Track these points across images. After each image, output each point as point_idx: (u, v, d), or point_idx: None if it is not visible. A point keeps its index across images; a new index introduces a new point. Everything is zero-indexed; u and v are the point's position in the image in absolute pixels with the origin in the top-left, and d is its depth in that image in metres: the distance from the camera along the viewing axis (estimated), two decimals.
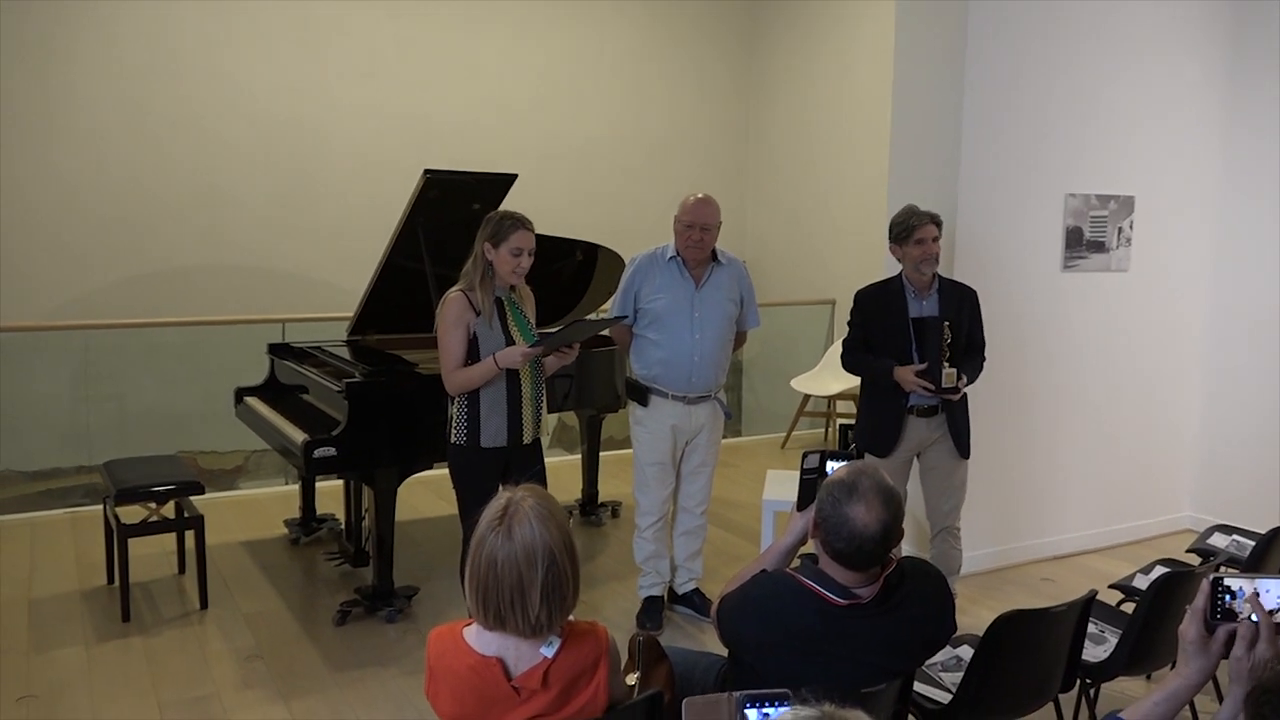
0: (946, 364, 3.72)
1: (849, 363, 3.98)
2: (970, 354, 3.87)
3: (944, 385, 3.72)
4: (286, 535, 5.15)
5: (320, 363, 4.68)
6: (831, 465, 2.29)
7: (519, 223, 3.36)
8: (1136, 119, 4.96)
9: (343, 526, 4.98)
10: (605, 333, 4.91)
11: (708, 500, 4.19)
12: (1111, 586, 3.58)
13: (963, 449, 3.88)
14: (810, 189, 8.35)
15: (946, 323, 3.72)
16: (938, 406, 3.84)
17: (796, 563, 2.23)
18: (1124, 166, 4.96)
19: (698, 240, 3.83)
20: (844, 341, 4.02)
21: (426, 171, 4.07)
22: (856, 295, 3.98)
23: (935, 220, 3.78)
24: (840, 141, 7.96)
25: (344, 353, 4.70)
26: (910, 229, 3.78)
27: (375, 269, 4.49)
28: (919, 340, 3.75)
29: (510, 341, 3.41)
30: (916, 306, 3.83)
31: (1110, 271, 4.99)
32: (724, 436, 4.23)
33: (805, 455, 2.34)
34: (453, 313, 3.37)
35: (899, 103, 4.78)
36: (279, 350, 5.09)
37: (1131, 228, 5.02)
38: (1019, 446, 4.86)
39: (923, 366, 3.74)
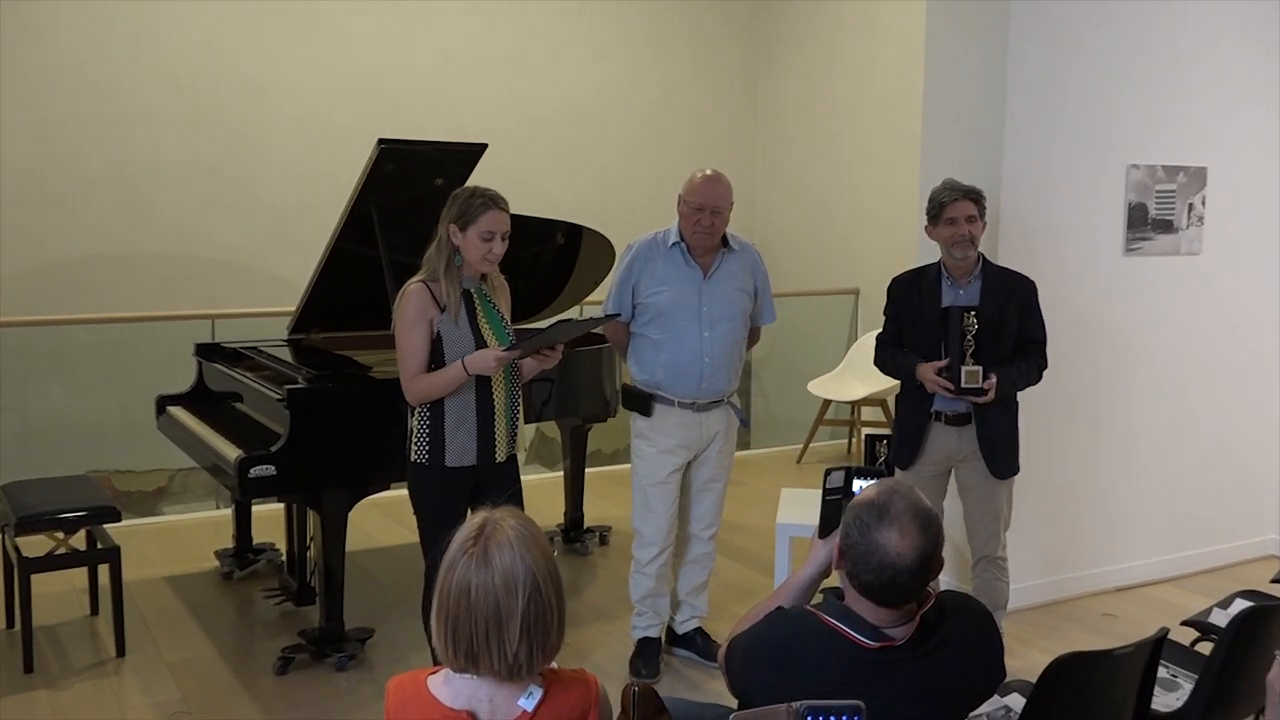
0: (970, 360, 3.71)
1: (879, 360, 4.02)
2: (1022, 355, 3.86)
3: (964, 385, 3.72)
4: (218, 569, 5.13)
5: (257, 366, 4.67)
6: (859, 484, 2.28)
7: (490, 201, 3.34)
8: (1209, 78, 4.97)
9: (284, 558, 4.96)
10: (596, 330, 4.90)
11: (718, 523, 4.19)
12: (1184, 623, 3.58)
13: (999, 467, 3.86)
14: (830, 161, 8.35)
15: (971, 311, 3.71)
16: (969, 414, 3.84)
17: (818, 598, 2.22)
18: (1195, 133, 4.97)
19: (708, 225, 3.83)
20: (877, 336, 4.04)
21: (380, 141, 4.06)
22: (890, 284, 3.99)
23: (973, 196, 3.79)
24: (865, 105, 7.96)
25: (285, 354, 4.69)
26: (940, 206, 3.79)
27: (321, 256, 4.48)
28: (946, 333, 3.76)
29: (481, 341, 3.40)
30: (951, 296, 3.84)
31: (1180, 255, 5.00)
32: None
33: (828, 473, 2.33)
34: (413, 308, 3.35)
35: (932, 61, 4.78)
36: (208, 351, 5.07)
37: (1204, 204, 5.03)
38: (1074, 460, 4.87)
39: (944, 363, 3.74)
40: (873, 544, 1.95)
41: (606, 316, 3.90)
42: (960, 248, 3.77)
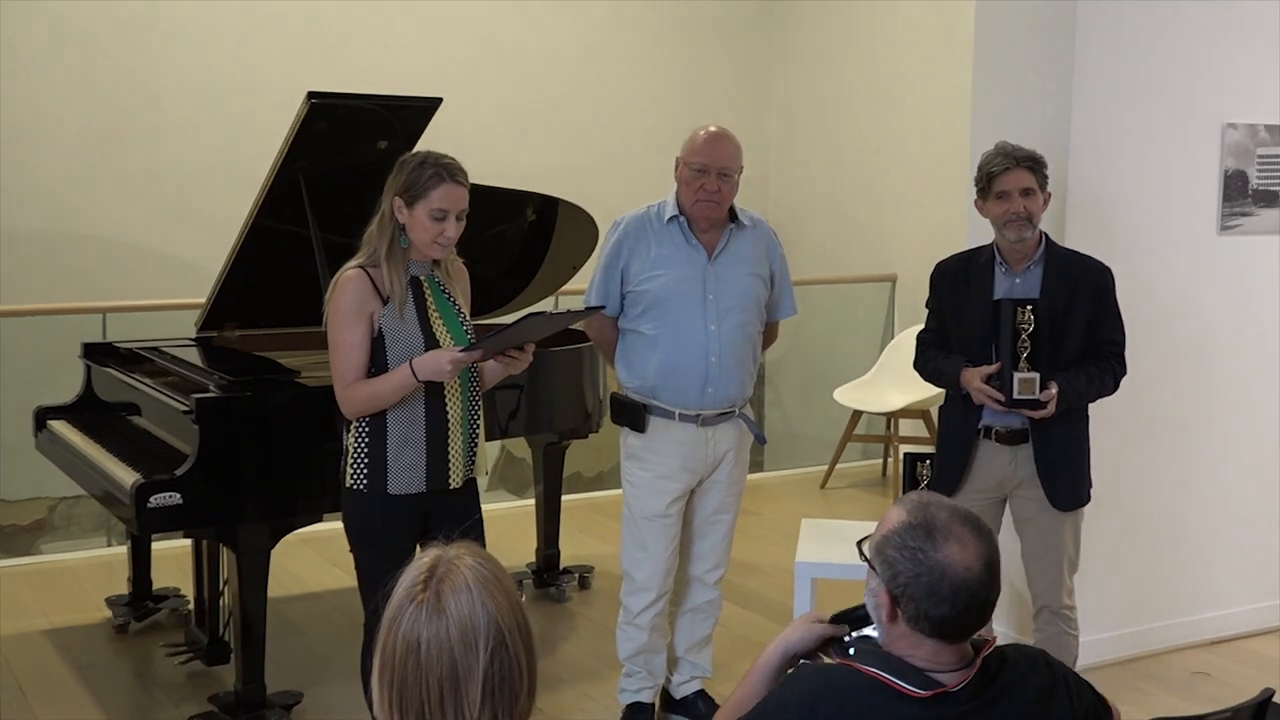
0: (1025, 365, 3.72)
1: (919, 363, 4.04)
2: (1093, 359, 3.86)
3: (1017, 396, 3.72)
4: (110, 620, 5.12)
5: (159, 370, 4.66)
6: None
7: (444, 171, 3.34)
8: None
9: (191, 606, 4.95)
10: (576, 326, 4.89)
11: (726, 563, 4.19)
12: None
13: (1061, 496, 3.85)
14: (862, 120, 8.36)
15: (1026, 306, 3.72)
16: (1025, 430, 3.85)
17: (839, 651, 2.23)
18: None
19: (713, 191, 3.84)
20: (918, 335, 4.05)
21: (311, 95, 4.06)
22: (934, 271, 4.00)
23: (1029, 164, 3.78)
24: (905, 54, 7.97)
25: (193, 356, 4.68)
26: (990, 177, 3.79)
27: (238, 235, 4.47)
28: (997, 332, 3.77)
29: (432, 340, 3.40)
30: (1006, 285, 3.85)
31: None
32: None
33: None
34: (349, 300, 3.35)
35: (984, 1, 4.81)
36: (98, 353, 5.06)
37: None
38: (1156, 486, 4.88)
39: (995, 368, 3.76)
40: (935, 568, 1.97)
41: (588, 309, 3.89)
42: (1014, 228, 3.77)
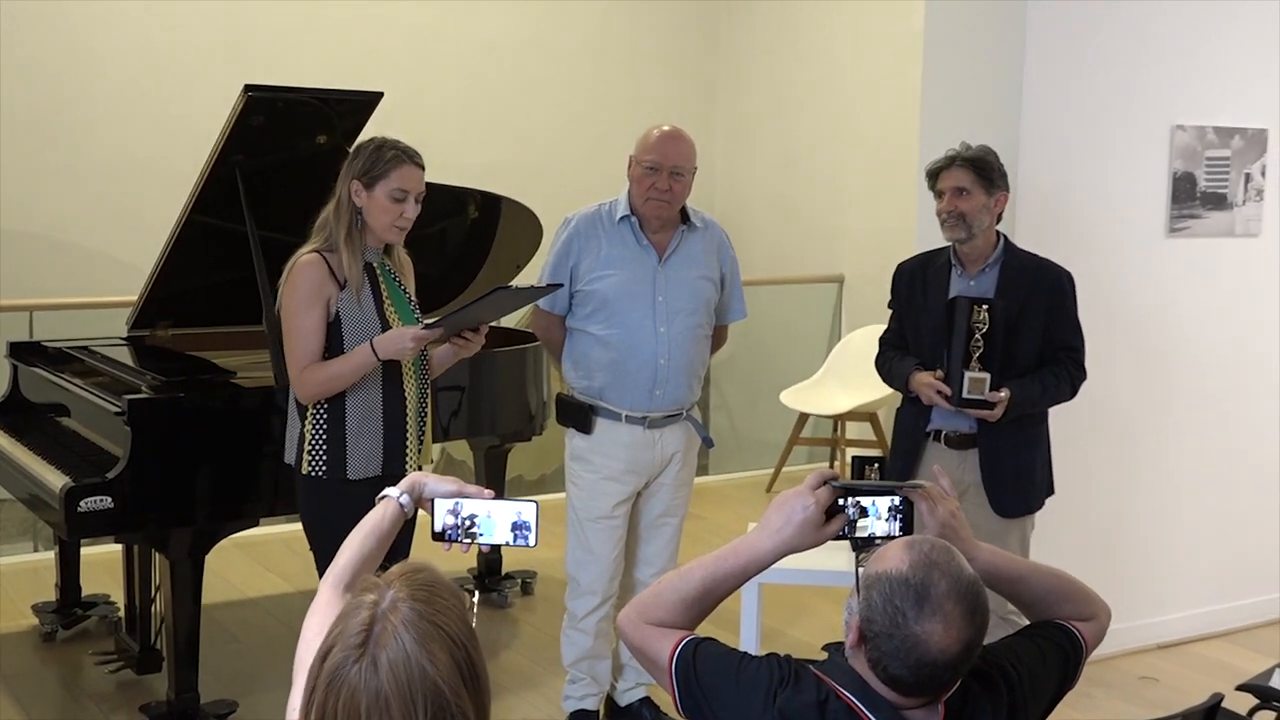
0: (977, 365, 3.76)
1: (878, 364, 4.10)
2: (1050, 365, 3.90)
3: (966, 395, 3.76)
4: (37, 627, 5.07)
5: (89, 370, 4.62)
6: (871, 512, 2.24)
7: (403, 154, 3.39)
8: (1271, 22, 5.05)
9: (121, 613, 4.92)
10: (515, 324, 4.89)
11: (673, 568, 4.18)
12: (1240, 688, 3.63)
13: (1005, 503, 3.90)
14: (810, 118, 8.39)
15: (983, 305, 3.75)
16: (974, 435, 3.88)
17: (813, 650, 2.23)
18: (1253, 88, 5.06)
19: (665, 190, 3.86)
20: (880, 336, 4.11)
21: (248, 88, 4.04)
22: (895, 271, 4.06)
23: (967, 163, 3.81)
24: (855, 49, 8.00)
25: (124, 355, 4.65)
26: (929, 176, 3.86)
27: (170, 231, 4.43)
28: (951, 330, 3.81)
29: (388, 328, 3.43)
30: (960, 287, 3.88)
31: (1234, 236, 5.09)
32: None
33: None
34: (307, 283, 3.37)
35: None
36: (24, 352, 5.01)
37: (1264, 174, 5.12)
38: (1104, 489, 4.93)
39: (943, 373, 3.81)
40: (910, 638, 1.94)
41: (549, 286, 3.90)
42: (949, 227, 3.82)
